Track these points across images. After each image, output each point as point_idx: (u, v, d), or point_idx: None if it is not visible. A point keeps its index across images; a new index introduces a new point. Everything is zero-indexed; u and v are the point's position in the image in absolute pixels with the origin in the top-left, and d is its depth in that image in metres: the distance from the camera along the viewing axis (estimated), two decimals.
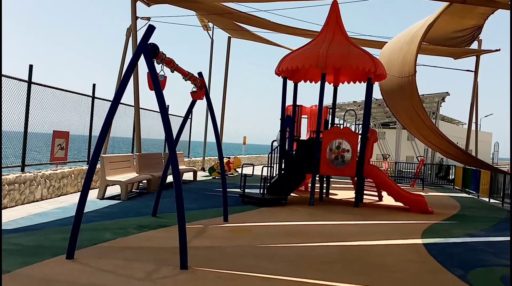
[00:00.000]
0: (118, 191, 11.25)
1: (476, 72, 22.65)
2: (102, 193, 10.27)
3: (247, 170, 11.37)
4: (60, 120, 10.99)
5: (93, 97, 12.70)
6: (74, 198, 10.01)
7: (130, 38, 15.46)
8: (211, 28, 21.92)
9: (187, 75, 7.60)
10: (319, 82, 14.25)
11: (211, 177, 17.43)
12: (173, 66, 6.81)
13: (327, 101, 13.89)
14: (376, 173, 11.65)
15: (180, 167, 14.98)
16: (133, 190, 11.96)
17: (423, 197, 11.41)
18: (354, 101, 26.90)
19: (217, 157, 21.49)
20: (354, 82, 13.83)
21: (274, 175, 12.12)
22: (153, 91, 6.31)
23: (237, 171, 19.90)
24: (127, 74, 5.64)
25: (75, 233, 5.35)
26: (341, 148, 11.32)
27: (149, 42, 5.66)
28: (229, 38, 22.06)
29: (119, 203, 9.81)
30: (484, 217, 10.80)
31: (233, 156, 22.31)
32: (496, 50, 22.31)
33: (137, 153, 13.25)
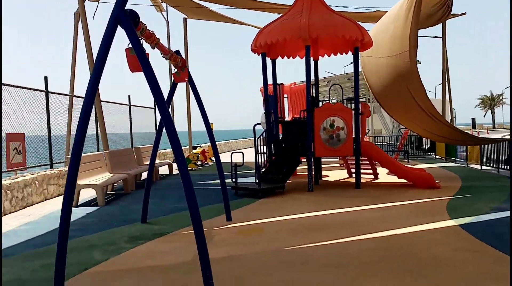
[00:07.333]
0: (90, 196, 9.91)
1: (444, 38, 22.22)
2: (75, 200, 8.86)
3: (236, 158, 10.23)
4: (10, 120, 9.34)
5: (47, 92, 10.90)
6: (42, 209, 8.58)
7: (80, 23, 13.78)
8: (165, 9, 20.55)
9: (167, 53, 6.37)
10: (297, 57, 13.32)
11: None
12: (154, 40, 5.52)
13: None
14: (375, 150, 10.80)
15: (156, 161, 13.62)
16: (107, 192, 10.52)
17: (426, 171, 10.69)
18: (346, 73, 25.97)
19: (187, 147, 20.20)
20: (335, 54, 12.85)
21: (262, 161, 11.06)
22: (134, 73, 5.08)
23: (213, 160, 18.73)
24: (102, 56, 4.17)
25: (61, 259, 3.97)
26: (335, 126, 10.38)
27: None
28: (185, 19, 20.65)
29: (97, 209, 8.45)
30: (492, 187, 10.14)
31: (207, 144, 21.00)
32: (463, 14, 21.91)
33: (106, 151, 11.78)
